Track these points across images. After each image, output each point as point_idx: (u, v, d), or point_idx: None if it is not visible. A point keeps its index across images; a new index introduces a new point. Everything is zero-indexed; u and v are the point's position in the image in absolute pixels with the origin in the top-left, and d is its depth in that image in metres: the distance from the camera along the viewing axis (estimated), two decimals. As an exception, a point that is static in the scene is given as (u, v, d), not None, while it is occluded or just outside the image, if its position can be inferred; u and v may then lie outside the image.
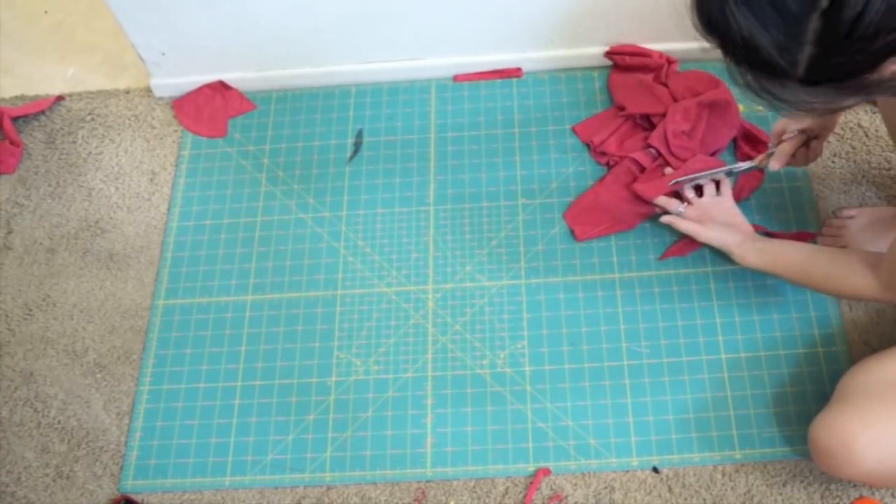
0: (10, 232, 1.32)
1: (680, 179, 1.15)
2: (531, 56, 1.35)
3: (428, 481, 1.08)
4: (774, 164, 1.08)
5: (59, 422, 1.17)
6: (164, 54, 1.34)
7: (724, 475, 1.05)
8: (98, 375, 1.20)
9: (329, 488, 1.09)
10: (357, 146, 1.33)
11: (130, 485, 1.12)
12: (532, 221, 1.24)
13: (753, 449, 1.06)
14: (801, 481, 1.04)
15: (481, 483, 1.07)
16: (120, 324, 1.23)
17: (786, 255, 1.03)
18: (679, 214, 1.14)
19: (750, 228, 1.11)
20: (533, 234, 1.23)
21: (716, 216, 1.12)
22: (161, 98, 1.42)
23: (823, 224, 1.18)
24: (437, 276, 1.22)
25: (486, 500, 1.06)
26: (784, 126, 1.09)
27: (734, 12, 0.60)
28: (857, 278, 0.94)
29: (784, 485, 1.04)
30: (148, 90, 1.42)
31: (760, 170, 1.17)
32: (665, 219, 1.15)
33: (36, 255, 1.30)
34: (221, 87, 1.39)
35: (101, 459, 1.14)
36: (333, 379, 1.16)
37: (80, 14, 1.55)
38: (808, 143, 1.09)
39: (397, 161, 1.32)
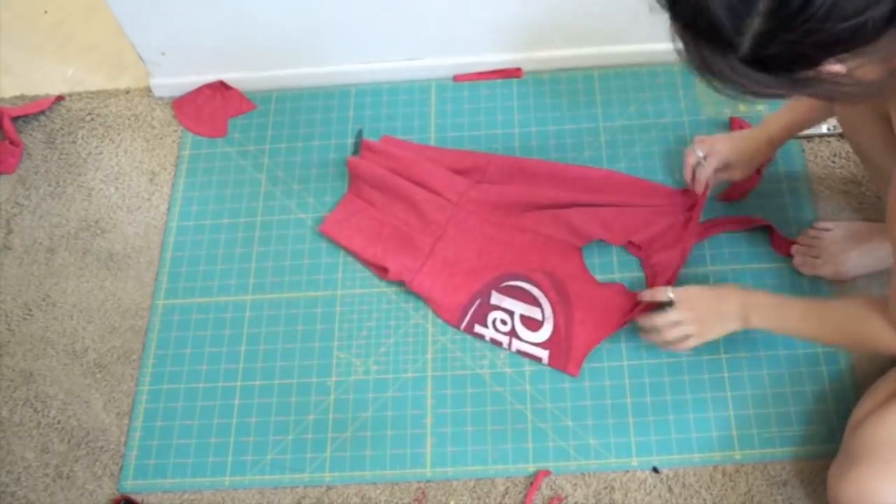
0: (10, 232, 1.32)
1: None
2: (531, 56, 1.34)
3: (428, 481, 1.08)
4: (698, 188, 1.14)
5: (59, 422, 1.17)
6: (163, 54, 1.34)
7: (724, 475, 1.05)
8: (98, 375, 1.20)
9: (329, 488, 1.09)
10: (357, 146, 1.33)
11: (130, 485, 1.12)
12: (532, 221, 1.24)
13: (753, 449, 1.06)
14: (801, 481, 1.04)
15: (481, 483, 1.07)
16: (120, 324, 1.23)
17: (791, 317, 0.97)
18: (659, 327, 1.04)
19: (734, 290, 1.02)
20: (533, 234, 1.23)
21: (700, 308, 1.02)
22: (161, 98, 1.42)
23: (800, 234, 1.17)
24: (437, 276, 1.22)
25: (486, 500, 1.06)
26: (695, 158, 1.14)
27: None
28: (874, 330, 0.88)
29: (784, 485, 1.04)
30: (148, 90, 1.42)
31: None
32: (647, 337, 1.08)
33: (36, 255, 1.30)
34: (221, 87, 1.39)
35: (101, 459, 1.14)
36: (333, 379, 1.16)
37: (80, 14, 1.55)
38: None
39: (397, 161, 1.32)
